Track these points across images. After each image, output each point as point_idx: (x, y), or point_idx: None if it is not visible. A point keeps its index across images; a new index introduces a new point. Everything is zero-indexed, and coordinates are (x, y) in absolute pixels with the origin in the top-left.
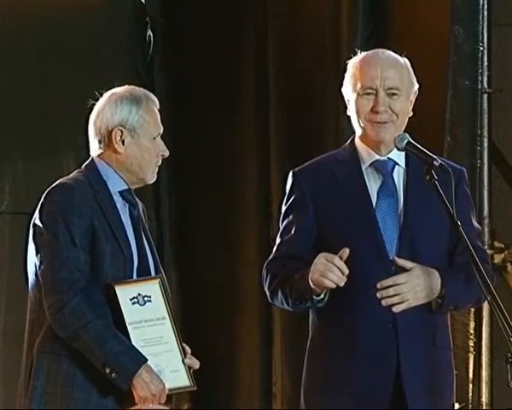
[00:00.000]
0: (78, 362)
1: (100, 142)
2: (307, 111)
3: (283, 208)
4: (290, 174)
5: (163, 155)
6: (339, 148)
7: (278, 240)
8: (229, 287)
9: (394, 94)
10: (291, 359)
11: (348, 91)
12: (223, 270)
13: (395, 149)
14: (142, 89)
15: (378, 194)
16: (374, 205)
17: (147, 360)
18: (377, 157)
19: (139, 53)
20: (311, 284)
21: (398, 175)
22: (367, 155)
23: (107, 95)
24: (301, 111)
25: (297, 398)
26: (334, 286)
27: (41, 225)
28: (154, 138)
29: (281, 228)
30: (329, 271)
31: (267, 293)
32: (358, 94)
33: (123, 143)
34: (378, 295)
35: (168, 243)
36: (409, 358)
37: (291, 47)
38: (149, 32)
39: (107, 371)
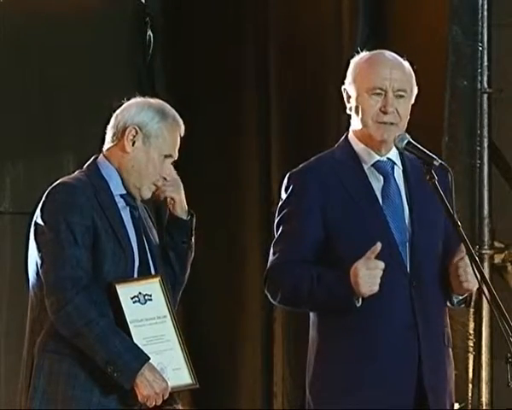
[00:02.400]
0: (79, 361)
1: (113, 136)
2: (308, 111)
3: (282, 210)
4: (288, 176)
5: (164, 179)
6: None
7: (281, 244)
8: (230, 287)
9: (401, 96)
10: (292, 359)
11: (352, 90)
12: (224, 270)
13: (393, 150)
14: (174, 110)
15: (382, 194)
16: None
17: (149, 358)
18: (378, 158)
19: (139, 53)
20: (357, 291)
21: (398, 175)
22: (367, 155)
23: (142, 98)
24: (302, 111)
25: (298, 398)
26: None
27: (42, 224)
28: (165, 157)
29: (281, 231)
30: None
31: (275, 300)
32: (366, 93)
33: (133, 144)
34: None
35: None
36: (428, 358)
37: (292, 47)
38: (149, 32)
39: (110, 369)
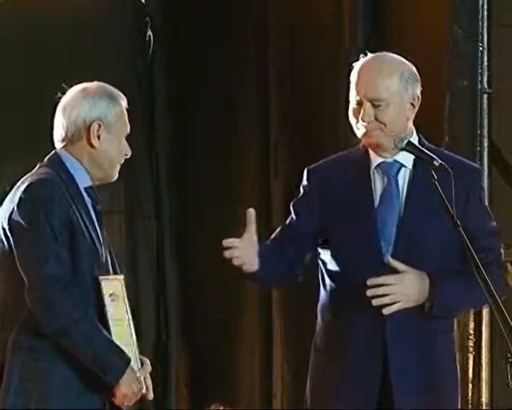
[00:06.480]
0: (56, 359)
1: (72, 135)
2: (308, 111)
3: (292, 203)
4: (305, 171)
5: (126, 155)
6: (339, 148)
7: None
8: (229, 287)
9: (378, 105)
10: (291, 359)
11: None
12: (223, 270)
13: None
14: (111, 86)
15: (381, 196)
16: (376, 206)
17: (130, 358)
18: (382, 159)
19: (139, 53)
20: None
21: (404, 177)
22: (374, 156)
23: (77, 89)
24: (302, 111)
25: (297, 398)
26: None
27: (21, 221)
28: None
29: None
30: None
31: None
32: (352, 102)
33: (99, 137)
34: (368, 293)
35: (168, 242)
36: (397, 360)
37: (292, 46)
38: (149, 32)
39: (96, 367)
